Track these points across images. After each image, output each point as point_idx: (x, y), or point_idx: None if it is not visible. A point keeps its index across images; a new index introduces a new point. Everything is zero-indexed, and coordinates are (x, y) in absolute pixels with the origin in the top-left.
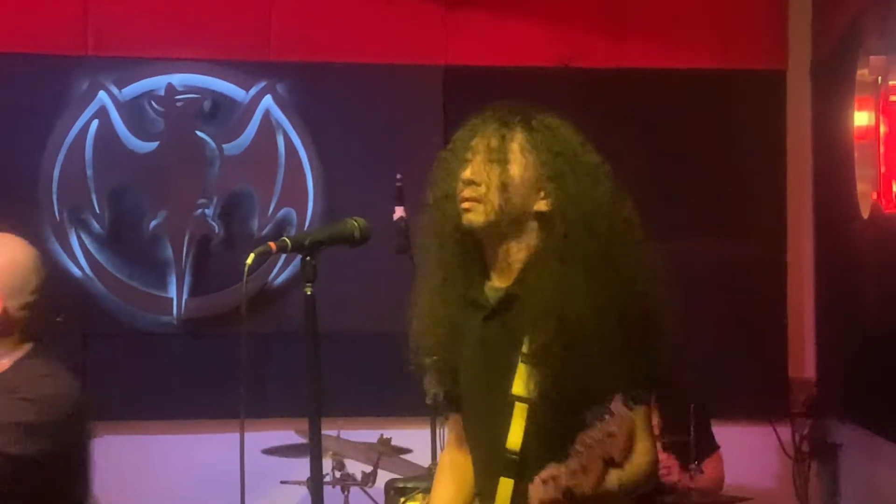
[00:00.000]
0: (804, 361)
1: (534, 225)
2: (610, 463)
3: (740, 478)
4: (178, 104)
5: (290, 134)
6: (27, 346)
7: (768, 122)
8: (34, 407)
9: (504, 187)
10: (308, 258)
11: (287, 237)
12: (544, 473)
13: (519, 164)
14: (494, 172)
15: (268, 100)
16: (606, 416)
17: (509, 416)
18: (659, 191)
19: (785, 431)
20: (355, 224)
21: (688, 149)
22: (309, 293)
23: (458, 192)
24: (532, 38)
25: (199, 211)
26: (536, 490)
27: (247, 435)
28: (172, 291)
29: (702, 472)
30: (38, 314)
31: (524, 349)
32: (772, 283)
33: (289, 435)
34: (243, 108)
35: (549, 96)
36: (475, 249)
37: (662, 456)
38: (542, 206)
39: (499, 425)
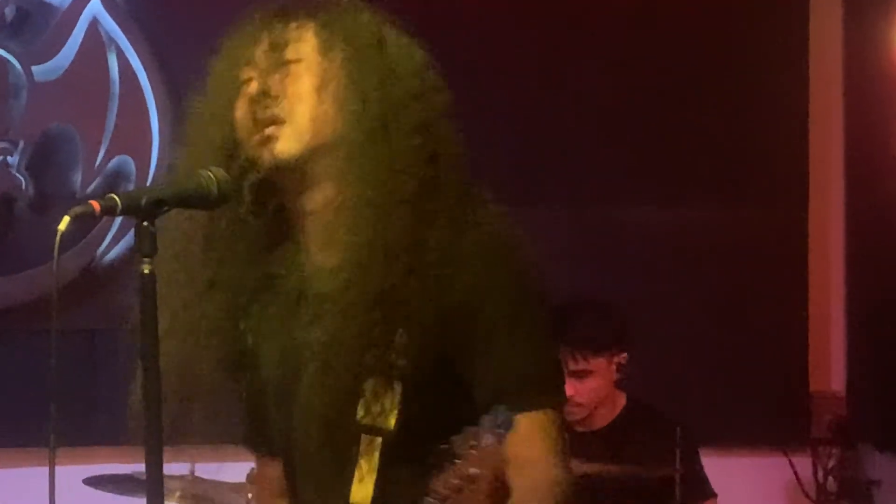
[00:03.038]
0: (830, 371)
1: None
2: None
3: None
4: None
5: (126, 52)
6: None
7: (786, 49)
8: None
9: (308, 101)
10: (146, 224)
11: (117, 194)
12: None
13: (314, 71)
14: (294, 82)
15: (95, 5)
16: (464, 452)
17: (351, 453)
18: (646, 139)
19: (804, 464)
20: (212, 176)
21: (683, 84)
22: (147, 272)
23: (243, 121)
24: None
25: (0, 159)
26: None
27: (64, 469)
28: None
29: None
30: None
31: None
32: (788, 264)
33: (119, 469)
34: (60, 15)
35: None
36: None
37: None
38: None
39: (334, 466)
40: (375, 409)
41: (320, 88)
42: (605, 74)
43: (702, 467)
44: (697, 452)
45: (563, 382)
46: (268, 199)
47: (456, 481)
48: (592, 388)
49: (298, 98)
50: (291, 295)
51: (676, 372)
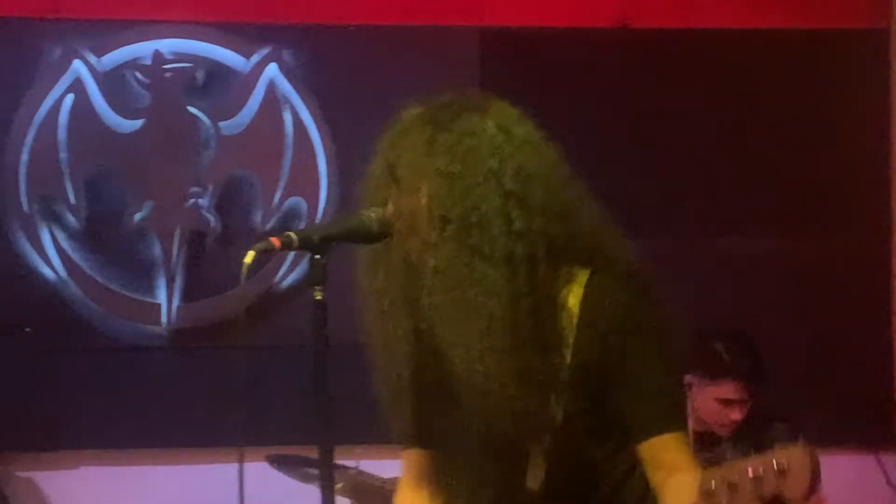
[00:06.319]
0: None
1: None
2: None
3: None
4: (167, 75)
5: (298, 109)
6: None
7: (868, 92)
8: None
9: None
10: (318, 257)
11: (293, 232)
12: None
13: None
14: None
15: (272, 69)
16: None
17: (523, 449)
18: (733, 178)
19: (893, 462)
20: (373, 216)
21: (766, 126)
22: (319, 298)
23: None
24: None
25: (192, 201)
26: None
27: (248, 466)
28: (161, 296)
29: None
30: None
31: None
32: (874, 284)
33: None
34: (243, 79)
35: (603, 62)
36: None
37: None
38: None
39: (509, 461)
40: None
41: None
42: (689, 114)
43: None
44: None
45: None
46: None
47: (762, 470)
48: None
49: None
50: None
51: (774, 380)
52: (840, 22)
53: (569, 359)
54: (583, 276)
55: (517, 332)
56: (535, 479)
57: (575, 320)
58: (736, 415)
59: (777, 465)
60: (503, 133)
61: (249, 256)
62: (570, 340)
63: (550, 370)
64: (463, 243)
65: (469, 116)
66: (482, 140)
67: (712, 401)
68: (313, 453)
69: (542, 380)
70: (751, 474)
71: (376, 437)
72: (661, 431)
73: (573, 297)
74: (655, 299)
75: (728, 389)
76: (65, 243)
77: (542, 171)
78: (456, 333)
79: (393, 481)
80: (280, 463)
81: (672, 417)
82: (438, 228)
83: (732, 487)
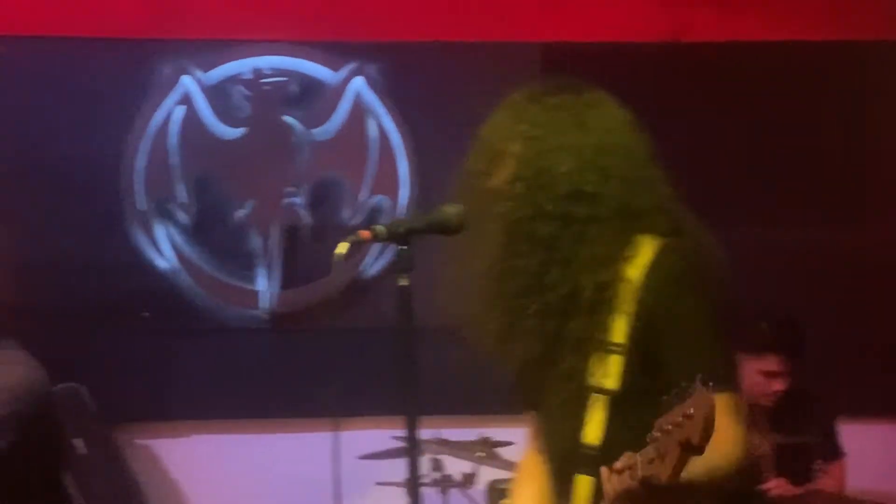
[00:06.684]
0: None
1: None
2: (689, 449)
3: (872, 484)
4: (265, 88)
5: (381, 118)
6: None
7: None
8: None
9: None
10: (404, 247)
11: (382, 224)
12: (619, 463)
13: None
14: None
15: (358, 82)
16: (684, 397)
17: (586, 408)
18: (778, 179)
19: None
20: (453, 211)
21: (809, 132)
22: (404, 284)
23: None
24: (636, 11)
25: (288, 200)
26: (611, 481)
27: (340, 435)
28: (261, 284)
29: (824, 473)
30: None
31: (607, 337)
32: None
33: (383, 434)
34: (332, 90)
35: (656, 73)
36: None
37: (772, 480)
38: None
39: (574, 418)
40: (600, 375)
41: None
42: (737, 122)
43: (838, 433)
44: (834, 422)
45: (736, 373)
46: None
47: (677, 418)
48: (787, 381)
49: None
50: None
51: (822, 358)
52: (878, 33)
53: (626, 322)
54: (651, 246)
55: (559, 292)
56: (594, 435)
57: (636, 285)
58: (779, 385)
59: (683, 412)
60: (592, 110)
61: (343, 247)
62: (629, 305)
63: (601, 332)
64: (527, 200)
65: (562, 94)
66: (568, 113)
67: (756, 374)
68: (397, 425)
69: (589, 341)
70: (670, 424)
71: (455, 407)
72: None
73: (638, 265)
74: (713, 272)
75: (771, 362)
76: (177, 238)
77: (624, 145)
78: (504, 290)
79: (469, 445)
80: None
81: (722, 379)
82: (510, 183)
83: (655, 439)
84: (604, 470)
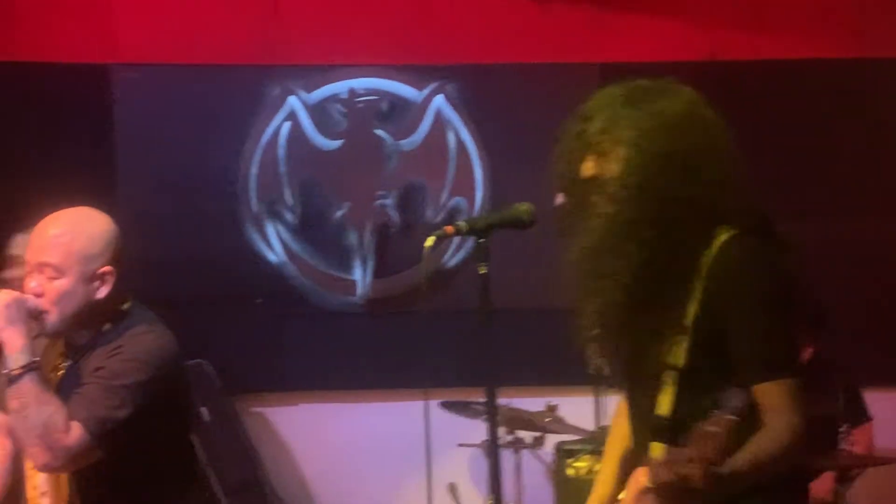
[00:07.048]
0: None
1: None
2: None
3: None
4: (359, 105)
5: (459, 130)
6: (126, 306)
7: None
8: (138, 365)
9: None
10: (482, 240)
11: (463, 220)
12: (664, 458)
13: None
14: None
15: (439, 99)
16: (719, 412)
17: (660, 383)
18: (807, 182)
19: None
20: (524, 209)
21: (833, 143)
22: (483, 272)
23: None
24: (677, 33)
25: (379, 202)
26: (655, 472)
27: (427, 403)
28: (357, 274)
29: (851, 435)
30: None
31: (682, 319)
32: None
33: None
34: (417, 107)
35: (695, 89)
36: None
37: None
38: None
39: (651, 392)
40: (673, 353)
41: None
42: (769, 132)
43: (862, 398)
44: (859, 388)
45: (798, 357)
46: None
47: (713, 429)
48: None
49: None
50: None
51: (851, 332)
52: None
53: (693, 308)
54: (724, 236)
55: (650, 289)
56: (664, 408)
57: (704, 272)
58: (804, 355)
59: (705, 430)
60: (686, 116)
61: (430, 240)
62: (698, 292)
63: (676, 321)
64: (632, 205)
65: (658, 98)
66: (665, 121)
67: None
68: (477, 395)
69: (666, 328)
70: (697, 440)
71: (527, 379)
72: (764, 379)
73: (709, 255)
74: (777, 265)
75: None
76: (284, 235)
77: (714, 148)
78: (601, 286)
79: (538, 414)
80: (449, 408)
81: (777, 366)
82: (616, 187)
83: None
84: (653, 461)
